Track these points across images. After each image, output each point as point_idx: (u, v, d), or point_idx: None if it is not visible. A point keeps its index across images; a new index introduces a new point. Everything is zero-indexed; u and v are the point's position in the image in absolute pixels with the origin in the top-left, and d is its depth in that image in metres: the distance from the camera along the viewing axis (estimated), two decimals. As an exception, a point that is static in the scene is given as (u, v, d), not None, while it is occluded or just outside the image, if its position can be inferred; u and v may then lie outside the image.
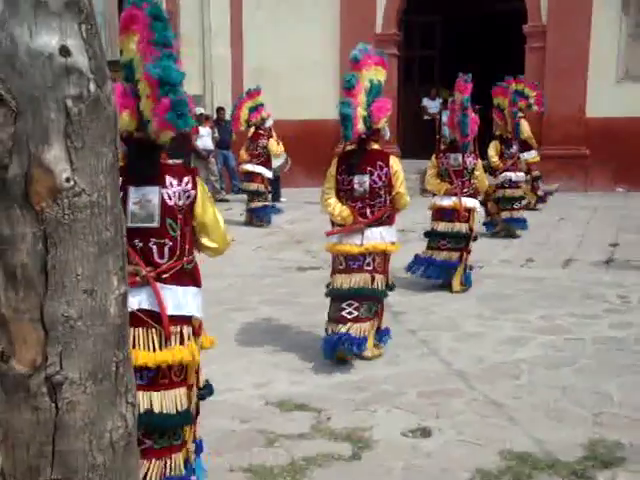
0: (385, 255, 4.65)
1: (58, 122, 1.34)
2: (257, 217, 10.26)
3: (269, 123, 10.54)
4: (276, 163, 10.86)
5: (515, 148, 9.30)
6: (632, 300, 6.01)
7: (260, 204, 10.29)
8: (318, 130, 14.37)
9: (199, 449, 3.03)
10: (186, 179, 2.81)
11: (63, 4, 1.31)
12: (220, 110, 13.62)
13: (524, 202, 9.45)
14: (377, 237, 4.56)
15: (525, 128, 10.26)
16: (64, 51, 1.32)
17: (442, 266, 6.41)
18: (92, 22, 1.32)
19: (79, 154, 1.35)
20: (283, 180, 12.48)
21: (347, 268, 4.57)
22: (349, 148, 4.66)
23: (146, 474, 2.71)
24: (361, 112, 4.37)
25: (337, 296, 4.62)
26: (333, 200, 4.58)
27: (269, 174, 10.53)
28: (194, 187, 2.82)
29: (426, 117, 14.75)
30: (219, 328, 4.65)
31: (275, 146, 10.51)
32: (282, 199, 12.47)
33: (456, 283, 6.45)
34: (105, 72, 1.38)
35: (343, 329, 4.48)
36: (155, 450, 2.76)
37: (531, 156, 10.63)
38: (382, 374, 4.44)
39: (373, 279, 4.56)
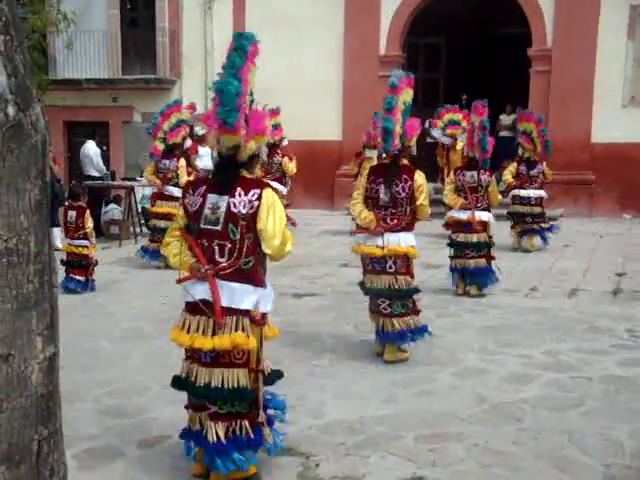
0: (408, 258, 5.05)
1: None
2: None
3: (285, 143, 11.23)
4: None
5: (538, 168, 9.68)
6: (641, 335, 5.73)
7: None
8: (320, 152, 14.24)
9: (271, 422, 3.39)
10: (254, 191, 3.13)
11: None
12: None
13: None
14: (395, 241, 4.95)
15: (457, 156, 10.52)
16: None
17: (474, 272, 7.05)
18: (13, 32, 1.08)
19: (-8, 191, 1.12)
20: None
21: (373, 270, 5.04)
22: (383, 162, 5.20)
23: (213, 431, 3.10)
24: (398, 130, 4.92)
25: (372, 294, 5.13)
26: (360, 205, 5.09)
27: (284, 190, 11.03)
28: (258, 199, 3.11)
29: (429, 140, 14.55)
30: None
31: (290, 164, 11.09)
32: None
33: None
34: (31, 92, 1.14)
35: (381, 323, 5.06)
36: (219, 414, 3.14)
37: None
38: (378, 414, 4.17)
39: (396, 280, 4.99)
